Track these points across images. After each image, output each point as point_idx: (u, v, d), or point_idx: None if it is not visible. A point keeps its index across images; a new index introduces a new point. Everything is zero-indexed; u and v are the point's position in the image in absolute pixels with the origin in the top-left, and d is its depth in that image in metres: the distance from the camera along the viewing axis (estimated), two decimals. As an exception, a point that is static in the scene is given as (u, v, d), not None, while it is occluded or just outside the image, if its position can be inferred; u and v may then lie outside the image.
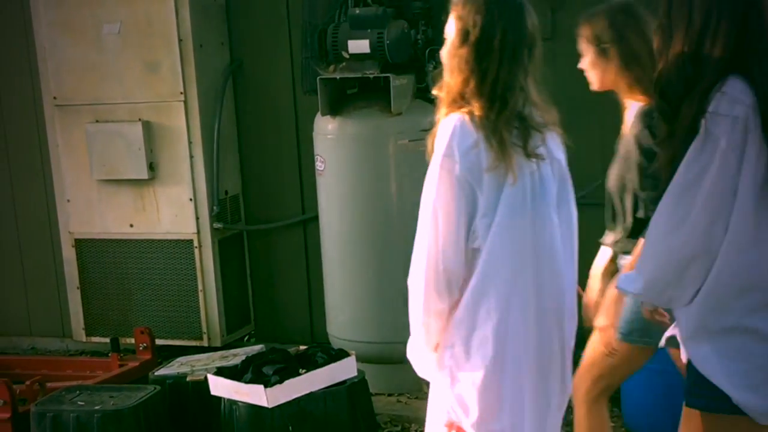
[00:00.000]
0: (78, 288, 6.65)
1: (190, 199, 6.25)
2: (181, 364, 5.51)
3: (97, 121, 6.34)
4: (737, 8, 2.72)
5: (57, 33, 6.35)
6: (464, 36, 2.98)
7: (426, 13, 5.50)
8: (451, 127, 2.94)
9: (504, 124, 2.93)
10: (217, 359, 5.50)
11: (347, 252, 5.57)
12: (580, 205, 5.91)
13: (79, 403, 4.98)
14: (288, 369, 4.85)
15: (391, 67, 5.42)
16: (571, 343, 3.21)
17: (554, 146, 3.13)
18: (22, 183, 7.07)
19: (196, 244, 6.29)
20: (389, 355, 5.41)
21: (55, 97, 6.45)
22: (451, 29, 3.03)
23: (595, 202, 5.85)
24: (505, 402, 3.03)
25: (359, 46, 5.38)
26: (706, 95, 2.69)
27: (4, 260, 7.22)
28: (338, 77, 5.45)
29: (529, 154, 2.97)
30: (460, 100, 2.98)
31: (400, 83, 5.40)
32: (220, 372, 5.02)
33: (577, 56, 5.84)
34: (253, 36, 6.43)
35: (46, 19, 6.38)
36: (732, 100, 2.66)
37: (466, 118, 2.94)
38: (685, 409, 3.06)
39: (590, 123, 5.90)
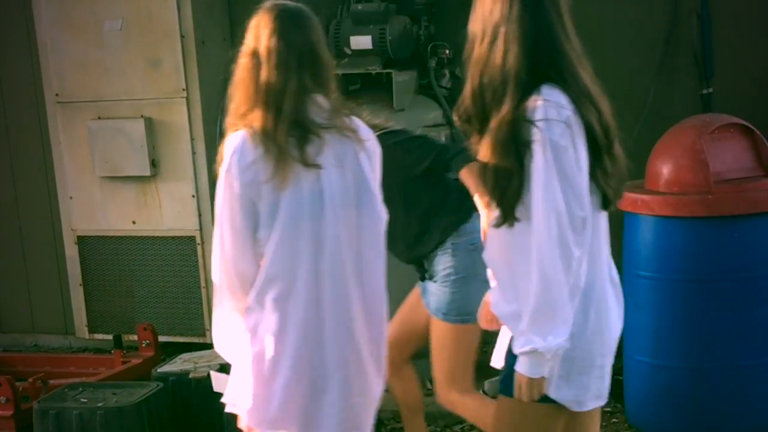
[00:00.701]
0: (81, 285, 6.65)
1: (193, 196, 6.24)
2: (184, 361, 5.49)
3: (99, 118, 6.33)
4: (527, 26, 2.97)
5: (58, 30, 6.35)
6: (245, 49, 3.24)
7: (428, 9, 5.50)
8: (233, 144, 3.13)
9: (281, 134, 3.07)
10: (220, 356, 5.48)
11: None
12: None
13: (81, 400, 4.97)
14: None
15: (393, 63, 5.42)
16: (377, 338, 3.31)
17: (348, 150, 3.20)
18: (24, 180, 7.07)
19: (198, 240, 6.28)
20: (391, 352, 5.41)
21: (57, 94, 6.44)
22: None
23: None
24: (275, 393, 3.19)
25: (361, 42, 5.37)
26: (518, 105, 2.91)
27: (6, 257, 7.22)
28: (340, 73, 5.43)
29: (306, 164, 3.10)
30: (244, 113, 3.15)
31: (402, 79, 5.40)
32: (223, 369, 5.01)
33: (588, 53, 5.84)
34: (256, 32, 6.40)
35: (48, 16, 6.37)
36: (558, 105, 2.89)
37: (248, 134, 3.10)
38: (499, 397, 3.19)
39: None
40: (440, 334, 4.21)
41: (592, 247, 3.00)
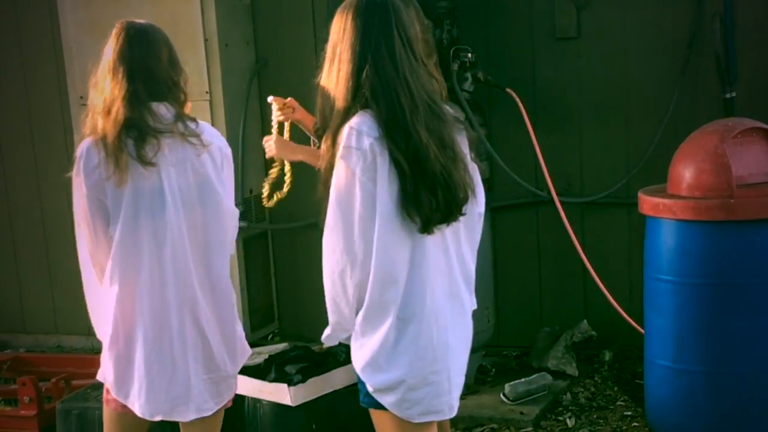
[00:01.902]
0: (103, 286, 6.66)
1: (215, 199, 6.25)
2: (205, 362, 5.51)
3: (123, 121, 6.35)
4: (357, 57, 3.04)
5: (83, 33, 6.37)
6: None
7: (451, 13, 5.49)
8: (80, 150, 3.47)
9: (113, 135, 3.41)
10: (240, 358, 5.49)
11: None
12: (603, 205, 5.99)
13: (104, 400, 5.00)
14: (311, 367, 4.85)
15: (415, 67, 5.41)
16: (225, 319, 3.67)
17: (189, 153, 3.53)
18: (48, 182, 7.11)
19: (221, 241, 6.29)
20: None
21: (81, 97, 6.46)
22: None
23: (620, 201, 5.86)
24: (131, 370, 3.56)
25: (384, 45, 5.37)
26: (338, 130, 3.05)
27: (29, 258, 7.26)
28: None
29: (143, 162, 3.42)
30: (95, 122, 3.51)
31: (424, 83, 5.39)
32: (244, 371, 5.02)
33: (603, 55, 5.85)
34: (279, 35, 6.44)
35: (73, 20, 6.39)
36: (360, 133, 2.99)
37: (92, 141, 3.46)
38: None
39: (615, 123, 5.87)
40: None
41: (416, 268, 3.06)
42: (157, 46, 3.59)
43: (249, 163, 6.35)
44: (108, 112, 3.47)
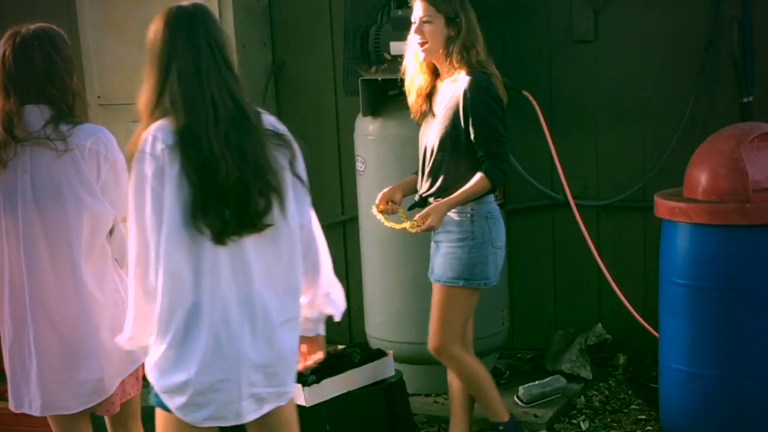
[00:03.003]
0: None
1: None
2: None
3: (139, 121, 6.36)
4: (163, 68, 3.15)
5: (101, 33, 6.39)
6: None
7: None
8: None
9: None
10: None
11: (386, 253, 5.57)
12: (619, 208, 5.98)
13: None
14: (325, 368, 4.85)
15: (433, 69, 5.41)
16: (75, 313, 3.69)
17: (47, 156, 3.60)
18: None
19: (236, 243, 6.30)
20: (427, 355, 5.38)
21: (99, 97, 6.49)
22: None
23: (635, 205, 5.85)
24: (7, 369, 3.72)
25: (401, 47, 5.34)
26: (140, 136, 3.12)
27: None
28: (380, 78, 5.45)
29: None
30: None
31: (441, 85, 5.39)
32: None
33: (620, 59, 5.84)
34: (296, 37, 6.44)
35: (92, 20, 6.42)
36: (155, 140, 3.04)
37: None
38: None
39: (631, 126, 5.87)
40: (446, 295, 4.50)
41: (207, 277, 3.07)
42: (32, 51, 3.67)
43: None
44: None
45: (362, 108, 5.53)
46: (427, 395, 5.57)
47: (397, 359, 5.23)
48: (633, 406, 5.42)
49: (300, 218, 3.19)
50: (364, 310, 5.84)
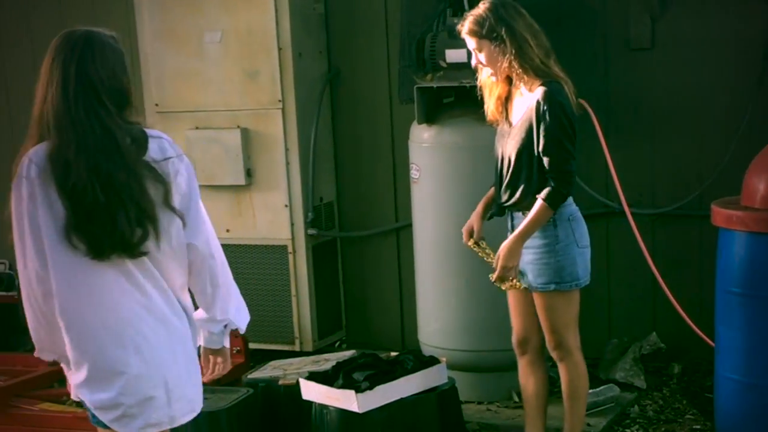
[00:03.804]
0: (174, 292, 6.73)
1: (286, 206, 6.31)
2: (274, 368, 5.55)
3: (196, 128, 6.43)
4: (42, 93, 3.20)
5: (160, 41, 6.46)
6: None
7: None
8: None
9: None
10: (309, 364, 5.53)
11: (440, 261, 5.58)
12: (675, 216, 5.93)
13: (173, 404, 5.04)
14: (378, 375, 4.87)
15: (488, 76, 5.42)
16: None
17: None
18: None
19: (290, 249, 6.34)
20: (480, 363, 5.40)
21: (156, 104, 6.55)
22: None
23: (692, 213, 5.80)
24: None
25: (457, 55, 5.38)
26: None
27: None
28: (435, 86, 5.46)
29: None
30: None
31: (496, 92, 5.39)
32: (312, 377, 5.06)
33: (677, 66, 5.81)
34: (351, 45, 6.48)
35: (151, 28, 6.49)
36: (30, 162, 3.16)
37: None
38: None
39: (688, 134, 5.83)
40: (546, 301, 4.51)
41: (91, 295, 3.19)
42: None
43: (319, 171, 6.40)
44: None
45: (417, 116, 5.55)
46: (479, 403, 5.57)
47: (450, 366, 5.22)
48: (688, 416, 5.38)
49: (190, 239, 3.31)
50: (417, 318, 5.85)
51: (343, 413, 4.79)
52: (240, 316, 3.60)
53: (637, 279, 5.92)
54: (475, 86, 5.33)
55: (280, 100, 6.21)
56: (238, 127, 6.31)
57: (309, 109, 6.32)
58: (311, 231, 6.38)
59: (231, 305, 3.56)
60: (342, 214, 6.67)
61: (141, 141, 3.23)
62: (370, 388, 4.79)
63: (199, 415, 4.75)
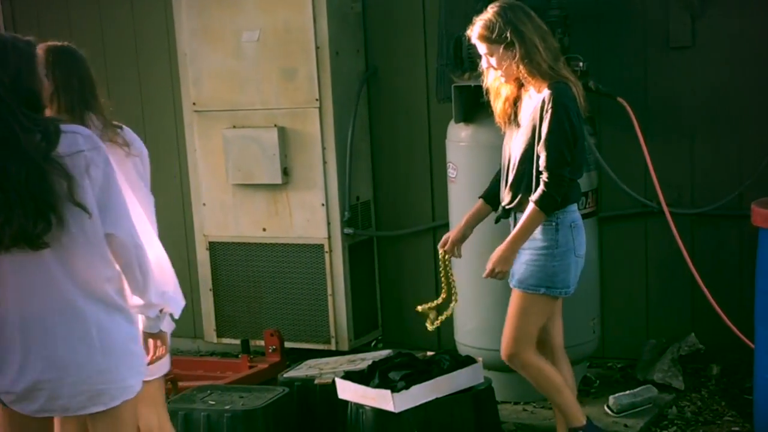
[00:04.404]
0: (210, 290, 6.76)
1: (322, 204, 6.31)
2: (310, 367, 5.55)
3: (234, 127, 6.45)
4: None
5: (198, 41, 6.48)
6: None
7: (563, 21, 5.46)
8: None
9: None
10: (345, 363, 5.53)
11: (478, 260, 5.53)
12: (715, 216, 5.88)
13: (209, 402, 5.06)
14: (414, 374, 4.85)
15: (526, 75, 5.39)
16: None
17: (119, 154, 3.92)
18: (160, 186, 7.16)
19: (326, 248, 6.35)
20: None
21: (194, 103, 6.58)
22: None
23: (731, 213, 5.75)
24: None
25: (495, 53, 5.36)
26: None
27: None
28: (473, 85, 5.44)
29: None
30: None
31: (534, 91, 5.37)
32: (348, 376, 5.05)
33: (717, 65, 5.76)
34: (389, 43, 6.47)
35: (189, 28, 6.51)
36: None
37: None
38: None
39: (728, 133, 5.78)
40: (525, 302, 4.51)
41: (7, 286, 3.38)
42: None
43: (356, 169, 6.40)
44: None
45: (455, 115, 5.53)
46: (516, 403, 5.55)
47: (487, 367, 5.20)
48: (726, 418, 5.33)
49: (109, 229, 3.40)
50: (453, 317, 5.82)
51: (379, 413, 4.78)
52: (176, 301, 3.87)
53: (676, 279, 5.87)
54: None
55: (317, 99, 6.21)
56: (275, 126, 6.31)
57: (346, 108, 6.32)
58: (348, 230, 6.38)
59: (167, 290, 3.77)
60: (378, 213, 6.67)
61: (52, 137, 3.32)
62: (406, 387, 4.78)
63: (234, 413, 4.81)
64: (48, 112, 3.69)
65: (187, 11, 6.48)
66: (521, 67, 4.36)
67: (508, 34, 4.35)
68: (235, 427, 4.89)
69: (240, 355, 6.24)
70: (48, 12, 7.39)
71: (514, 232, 4.42)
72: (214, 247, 6.69)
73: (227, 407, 4.96)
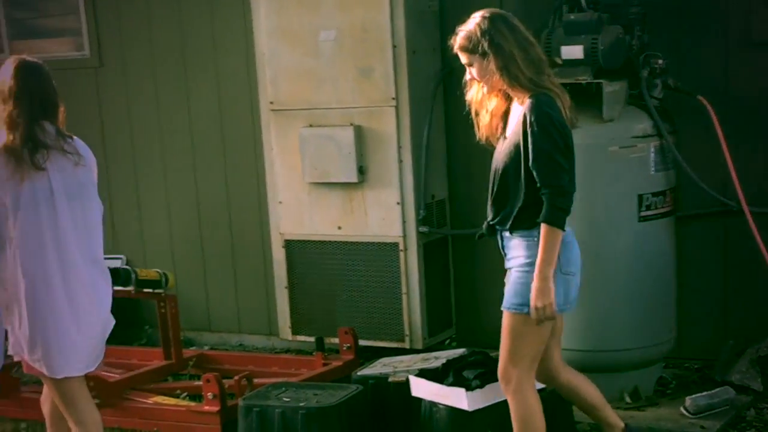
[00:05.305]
0: (286, 288, 6.79)
1: (398, 203, 6.31)
2: (384, 365, 5.55)
3: (310, 126, 6.47)
4: None
5: (276, 40, 6.52)
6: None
7: (642, 18, 5.42)
8: None
9: (20, 147, 4.36)
10: (419, 361, 5.52)
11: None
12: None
13: (284, 399, 5.08)
14: (488, 373, 4.84)
15: (603, 73, 5.35)
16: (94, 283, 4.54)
17: (68, 162, 4.47)
18: (237, 185, 7.30)
19: (401, 247, 6.35)
20: (593, 363, 5.34)
21: (271, 102, 6.62)
22: None
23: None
24: (47, 348, 4.44)
25: (573, 51, 5.34)
26: None
27: (217, 259, 7.46)
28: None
29: (35, 167, 4.37)
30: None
31: (612, 89, 5.33)
32: (422, 374, 5.05)
33: None
34: (466, 42, 6.44)
35: (267, 27, 6.55)
36: None
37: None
38: None
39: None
40: (514, 323, 4.33)
41: None
42: (49, 78, 4.55)
43: (431, 168, 6.39)
44: (10, 128, 4.41)
45: (531, 112, 5.49)
46: (591, 403, 5.50)
47: (564, 366, 5.17)
48: (806, 421, 5.26)
49: None
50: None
51: (453, 411, 4.78)
52: None
53: (755, 280, 5.80)
54: (591, 83, 5.32)
55: (393, 98, 6.22)
56: (352, 124, 6.33)
57: (422, 107, 6.32)
58: (423, 229, 6.37)
59: None
60: (453, 212, 6.66)
61: None
62: (481, 386, 4.78)
63: (309, 410, 4.84)
64: None
65: (265, 11, 6.52)
66: (502, 78, 4.26)
67: (485, 45, 4.27)
68: (310, 424, 4.91)
69: (314, 353, 6.26)
70: (129, 13, 7.50)
71: (538, 261, 4.18)
72: (289, 244, 6.72)
73: (302, 404, 4.98)
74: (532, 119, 4.17)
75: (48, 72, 4.56)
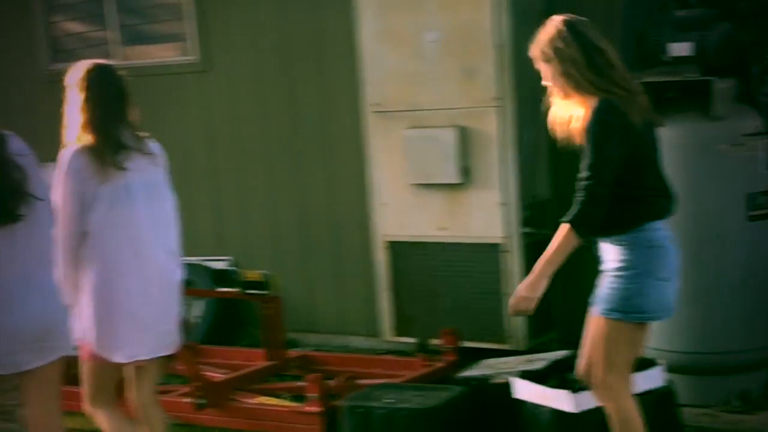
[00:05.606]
0: (388, 289, 6.80)
1: (501, 204, 6.27)
2: (486, 367, 5.53)
3: (413, 127, 6.47)
4: None
5: (380, 42, 6.54)
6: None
7: (753, 14, 5.31)
8: (68, 154, 4.53)
9: (102, 148, 4.50)
10: (522, 363, 5.48)
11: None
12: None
13: (387, 400, 5.08)
14: (593, 375, 4.77)
15: (713, 70, 5.26)
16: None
17: (144, 162, 4.62)
18: (340, 186, 7.32)
19: (504, 248, 6.31)
20: (700, 365, 5.24)
21: (376, 104, 6.63)
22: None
23: None
24: (117, 334, 4.57)
25: (681, 48, 5.26)
26: None
27: (320, 260, 7.49)
28: (657, 81, 5.32)
29: (117, 167, 4.51)
30: (79, 135, 4.57)
31: (722, 87, 5.24)
32: (525, 375, 5.01)
33: None
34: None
35: (371, 30, 6.57)
36: None
37: (78, 147, 4.53)
38: None
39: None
40: (604, 328, 4.21)
41: None
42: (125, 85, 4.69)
43: (535, 169, 6.34)
44: (96, 129, 4.54)
45: (637, 111, 5.42)
46: (698, 406, 5.39)
47: (671, 369, 5.08)
48: None
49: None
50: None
51: (557, 413, 4.74)
52: None
53: None
54: (701, 80, 5.22)
55: (497, 98, 6.19)
56: (455, 125, 6.31)
57: (526, 107, 6.26)
58: (526, 229, 6.32)
59: None
60: (557, 213, 6.56)
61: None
62: (585, 388, 4.70)
63: (411, 411, 4.83)
64: None
65: (371, 13, 6.55)
66: (565, 83, 4.22)
67: (550, 52, 4.26)
68: (413, 425, 4.91)
69: (416, 354, 6.24)
70: (236, 18, 7.58)
71: (542, 257, 4.19)
72: (392, 246, 6.72)
73: (405, 405, 4.97)
74: (588, 126, 4.12)
75: (122, 74, 4.70)
